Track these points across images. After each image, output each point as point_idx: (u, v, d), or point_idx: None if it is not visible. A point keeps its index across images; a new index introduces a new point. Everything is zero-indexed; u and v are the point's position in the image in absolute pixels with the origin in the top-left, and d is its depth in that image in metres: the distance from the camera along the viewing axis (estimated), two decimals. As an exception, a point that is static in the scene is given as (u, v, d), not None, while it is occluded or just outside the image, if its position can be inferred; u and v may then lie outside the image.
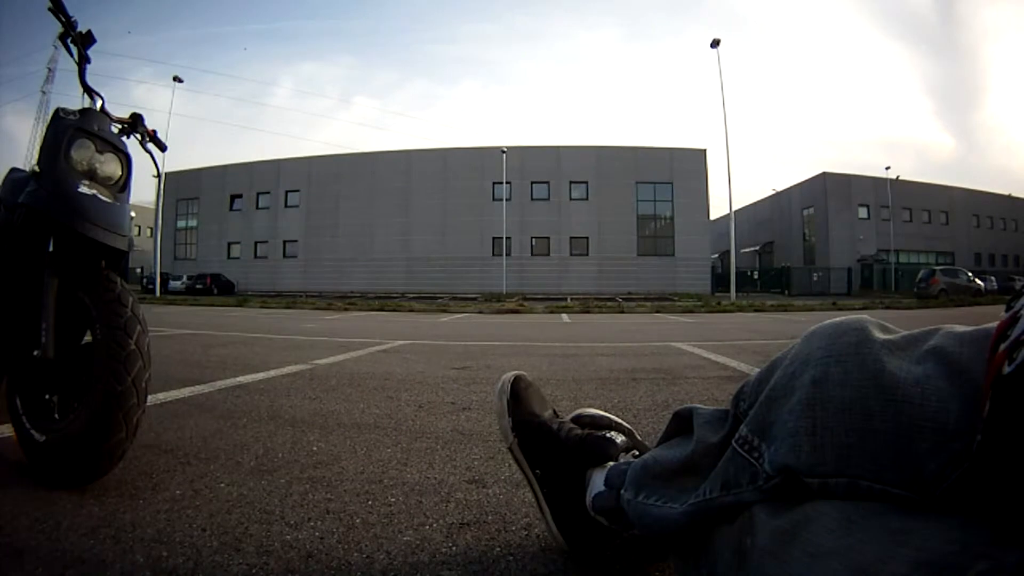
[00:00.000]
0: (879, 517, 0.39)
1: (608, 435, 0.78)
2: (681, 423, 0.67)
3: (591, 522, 0.74)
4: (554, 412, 0.88)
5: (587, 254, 28.97)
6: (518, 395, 0.86)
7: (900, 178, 34.53)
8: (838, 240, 33.08)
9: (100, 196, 1.17)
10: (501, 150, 27.72)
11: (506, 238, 27.98)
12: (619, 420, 0.84)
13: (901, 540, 0.36)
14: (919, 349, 0.45)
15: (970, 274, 21.46)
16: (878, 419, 0.42)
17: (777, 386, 0.50)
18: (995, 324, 0.39)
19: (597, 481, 0.73)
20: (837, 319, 0.51)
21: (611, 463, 0.75)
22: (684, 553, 0.59)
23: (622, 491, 0.66)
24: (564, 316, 9.59)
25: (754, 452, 0.50)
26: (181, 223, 33.98)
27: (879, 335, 0.47)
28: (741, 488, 0.50)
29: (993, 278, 26.83)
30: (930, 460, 0.39)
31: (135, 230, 38.86)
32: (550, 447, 0.80)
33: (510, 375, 0.88)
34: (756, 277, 32.06)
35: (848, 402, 0.43)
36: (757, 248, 39.93)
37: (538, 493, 0.82)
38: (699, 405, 0.66)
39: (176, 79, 25.40)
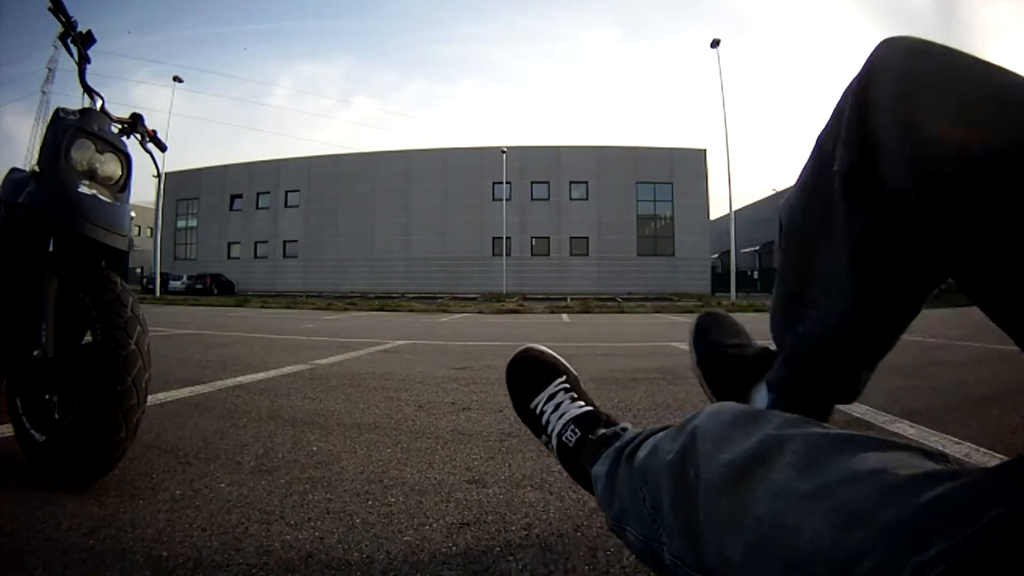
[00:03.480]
0: (852, 446, 0.36)
1: None
2: None
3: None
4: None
5: (587, 254, 28.98)
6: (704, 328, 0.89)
7: (900, 178, 34.44)
8: (838, 240, 32.95)
9: (100, 196, 1.17)
10: (501, 150, 27.74)
11: (506, 238, 27.99)
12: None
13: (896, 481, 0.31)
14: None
15: (970, 274, 21.42)
16: None
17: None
18: None
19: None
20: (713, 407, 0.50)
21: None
22: None
23: None
24: (564, 316, 9.59)
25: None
26: (181, 223, 34.00)
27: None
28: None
29: (993, 278, 26.77)
30: None
31: (135, 230, 38.85)
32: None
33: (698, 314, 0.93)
34: (756, 277, 32.07)
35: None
36: (757, 248, 39.87)
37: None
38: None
39: (176, 79, 25.43)
